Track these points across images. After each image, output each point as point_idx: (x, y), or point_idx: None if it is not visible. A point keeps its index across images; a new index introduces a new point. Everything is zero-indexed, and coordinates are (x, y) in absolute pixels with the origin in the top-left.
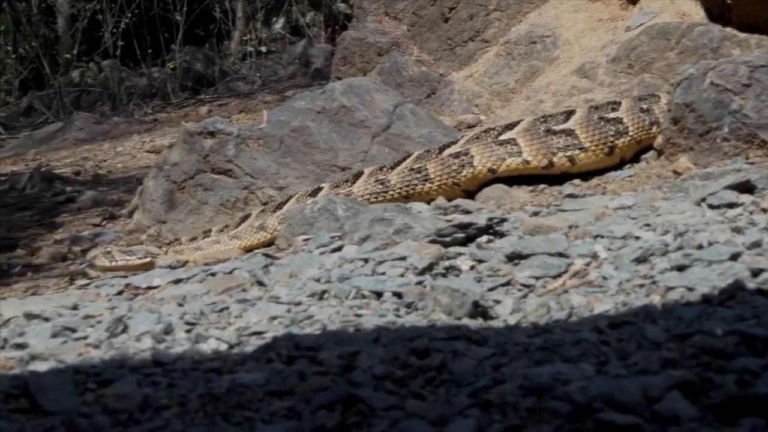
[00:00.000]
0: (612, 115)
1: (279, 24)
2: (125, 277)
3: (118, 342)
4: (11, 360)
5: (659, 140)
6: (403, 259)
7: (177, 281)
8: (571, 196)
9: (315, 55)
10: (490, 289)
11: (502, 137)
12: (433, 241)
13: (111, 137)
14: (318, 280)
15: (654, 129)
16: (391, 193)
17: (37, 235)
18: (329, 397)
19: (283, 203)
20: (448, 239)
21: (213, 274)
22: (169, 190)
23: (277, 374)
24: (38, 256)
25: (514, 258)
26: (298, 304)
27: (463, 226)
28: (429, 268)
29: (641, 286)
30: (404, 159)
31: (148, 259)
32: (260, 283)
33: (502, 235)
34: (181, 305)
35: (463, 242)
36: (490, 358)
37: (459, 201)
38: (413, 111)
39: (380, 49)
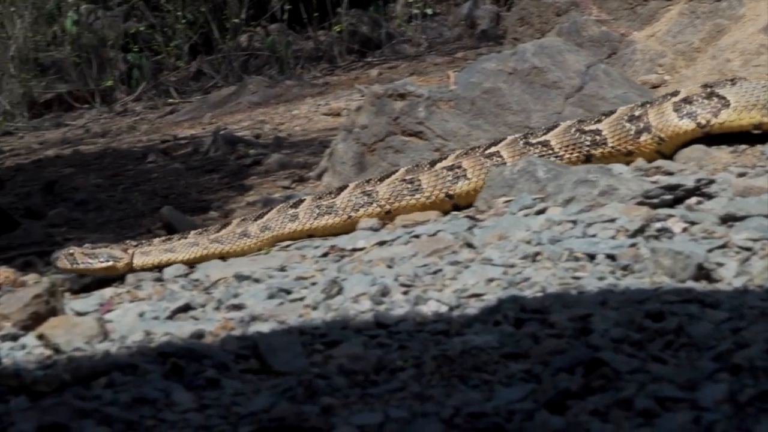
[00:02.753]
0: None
1: None
2: (326, 239)
3: (335, 303)
4: (231, 321)
5: None
6: (612, 221)
7: (382, 243)
8: None
9: (481, 17)
10: (708, 251)
11: (488, 151)
12: (640, 203)
13: (284, 100)
14: (529, 242)
15: None
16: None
17: (228, 197)
18: (568, 360)
19: (264, 213)
20: (655, 201)
21: (417, 236)
22: (359, 153)
23: (509, 337)
24: (232, 219)
25: (728, 220)
26: (512, 266)
27: (670, 188)
28: (640, 230)
29: None
30: (393, 172)
31: (110, 263)
32: (470, 245)
33: (710, 196)
34: (390, 267)
35: (671, 204)
36: (726, 322)
37: (660, 162)
38: (606, 71)
39: (558, 9)
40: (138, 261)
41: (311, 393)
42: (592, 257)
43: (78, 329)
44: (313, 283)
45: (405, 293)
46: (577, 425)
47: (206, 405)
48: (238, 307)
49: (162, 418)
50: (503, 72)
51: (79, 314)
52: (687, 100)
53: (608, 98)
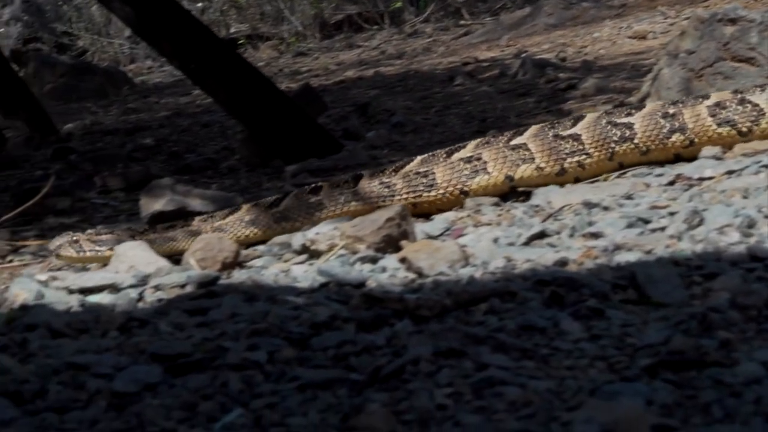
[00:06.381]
0: None
1: None
2: (661, 165)
3: (699, 234)
4: (594, 249)
5: None
6: None
7: (730, 172)
8: None
9: None
10: None
11: (513, 142)
12: None
13: (581, 23)
14: None
15: None
16: (398, 197)
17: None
18: None
19: (280, 199)
20: None
21: (766, 166)
22: (685, 78)
23: None
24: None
25: None
26: None
27: None
28: None
29: None
30: (409, 162)
31: None
32: None
33: None
34: (746, 198)
35: None
36: None
37: None
38: None
39: None
40: None
41: (706, 327)
42: None
43: (440, 254)
44: (670, 213)
45: None
46: None
47: (597, 335)
48: (596, 236)
49: (556, 347)
50: None
51: (430, 237)
52: None
53: None
